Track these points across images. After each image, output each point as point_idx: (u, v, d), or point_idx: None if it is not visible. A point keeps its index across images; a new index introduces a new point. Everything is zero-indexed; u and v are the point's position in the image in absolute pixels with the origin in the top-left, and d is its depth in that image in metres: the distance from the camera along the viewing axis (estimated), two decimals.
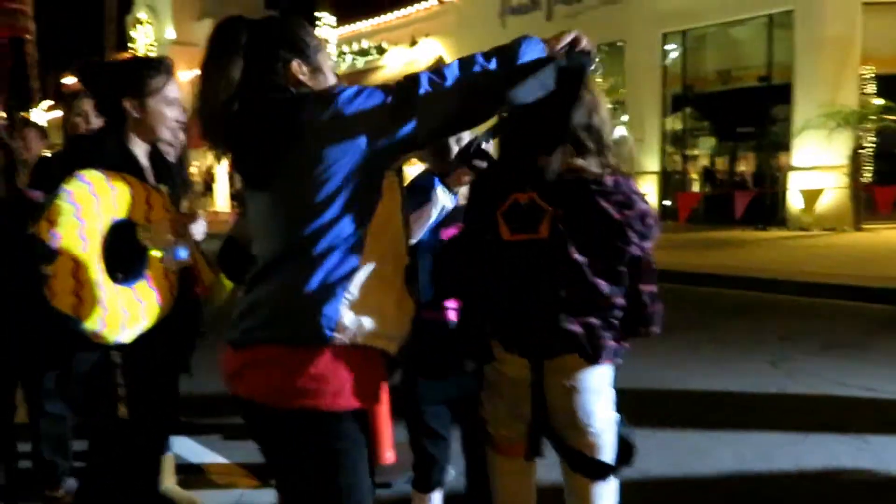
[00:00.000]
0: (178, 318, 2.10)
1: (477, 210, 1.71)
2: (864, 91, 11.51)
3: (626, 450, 1.69)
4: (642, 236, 1.58)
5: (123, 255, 1.96)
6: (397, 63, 18.14)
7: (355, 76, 18.75)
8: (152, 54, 25.95)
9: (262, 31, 1.50)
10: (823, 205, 11.37)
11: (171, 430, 2.61)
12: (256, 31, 1.49)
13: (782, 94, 11.98)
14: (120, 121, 2.15)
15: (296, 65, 1.51)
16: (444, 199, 1.98)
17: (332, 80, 1.58)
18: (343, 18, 18.48)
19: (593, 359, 1.59)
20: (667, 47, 13.40)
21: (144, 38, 26.35)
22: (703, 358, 5.02)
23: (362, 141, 1.40)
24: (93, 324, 1.83)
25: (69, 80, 30.69)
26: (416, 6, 17.56)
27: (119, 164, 2.06)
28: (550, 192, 1.58)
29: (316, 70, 1.54)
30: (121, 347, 1.97)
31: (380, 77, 18.05)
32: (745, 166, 13.59)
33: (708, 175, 13.80)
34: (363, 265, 1.42)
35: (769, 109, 12.32)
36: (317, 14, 14.82)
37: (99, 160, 2.01)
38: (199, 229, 2.12)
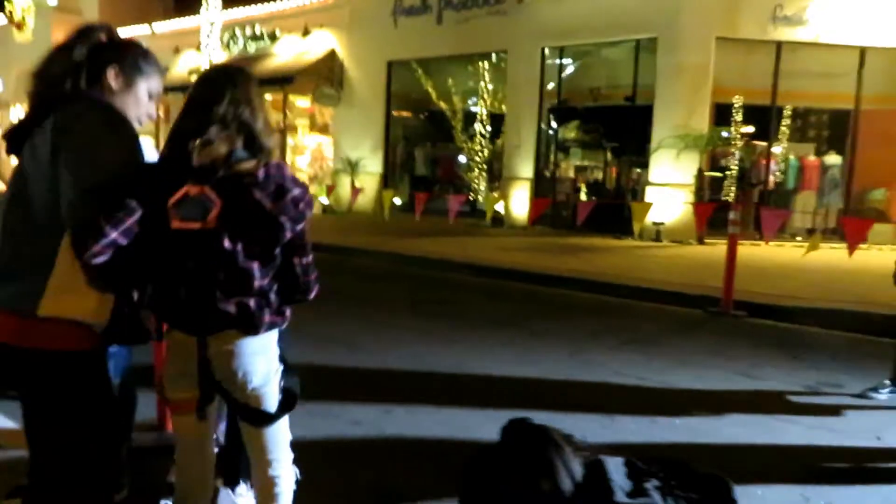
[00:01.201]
0: None
1: (147, 201, 1.84)
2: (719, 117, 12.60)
3: (288, 398, 2.01)
4: (295, 220, 1.88)
5: None
6: (289, 52, 18.04)
7: (246, 61, 18.50)
8: (29, 18, 24.49)
9: None
10: (673, 219, 12.33)
11: None
12: None
13: (645, 113, 12.87)
14: None
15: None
16: None
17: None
18: (237, 1, 18.20)
19: (249, 332, 1.88)
20: (546, 61, 14.08)
21: (21, 2, 24.85)
22: (513, 349, 5.50)
23: None
24: None
25: None
26: None
27: None
28: (216, 185, 1.83)
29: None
30: None
31: (271, 64, 17.90)
32: (605, 178, 14.52)
33: (574, 184, 14.61)
34: None
35: (633, 127, 13.20)
36: None
37: None
38: None
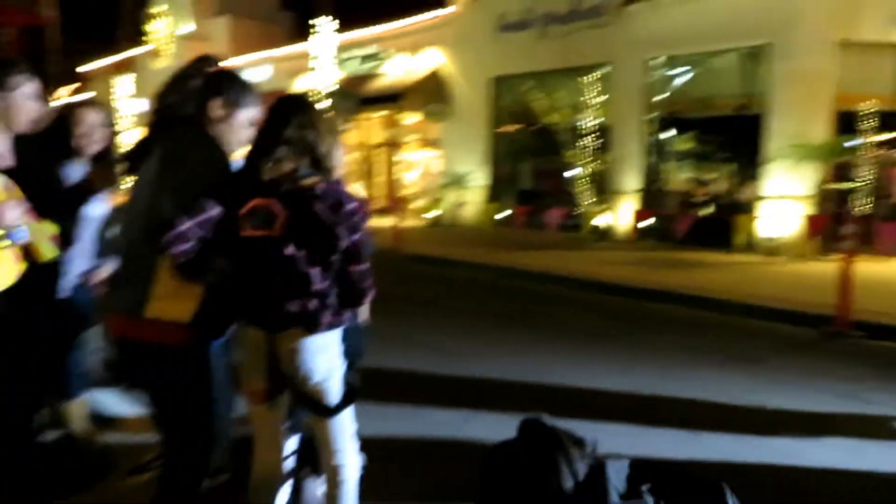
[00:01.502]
0: (31, 286, 2.58)
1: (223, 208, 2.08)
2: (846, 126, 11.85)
3: (349, 394, 2.18)
4: (350, 230, 2.06)
5: None
6: (398, 70, 18.66)
7: (356, 81, 19.31)
8: (168, 46, 26.62)
9: None
10: (789, 233, 11.74)
11: (38, 383, 3.04)
12: None
13: (756, 123, 12.36)
14: None
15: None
16: None
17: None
18: (346, 24, 19.07)
19: (311, 331, 2.06)
20: (651, 72, 13.83)
21: (162, 31, 27.10)
22: (605, 362, 5.49)
23: None
24: None
25: (89, 67, 31.59)
26: (419, 16, 18.08)
27: None
28: (282, 198, 2.04)
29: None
30: None
31: (381, 83, 18.59)
32: (714, 190, 14.00)
33: (684, 197, 14.19)
34: None
35: (743, 137, 12.70)
36: (314, 20, 15.32)
37: None
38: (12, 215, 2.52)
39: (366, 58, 19.45)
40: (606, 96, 14.53)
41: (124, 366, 2.37)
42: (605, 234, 13.63)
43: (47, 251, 2.60)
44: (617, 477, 1.54)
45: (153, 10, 27.33)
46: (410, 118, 19.07)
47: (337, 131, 2.67)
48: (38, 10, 30.24)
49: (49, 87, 29.28)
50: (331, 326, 2.09)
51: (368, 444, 2.93)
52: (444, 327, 6.65)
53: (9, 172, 2.66)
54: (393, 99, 17.44)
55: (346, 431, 2.24)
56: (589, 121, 14.74)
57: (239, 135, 2.29)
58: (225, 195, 2.04)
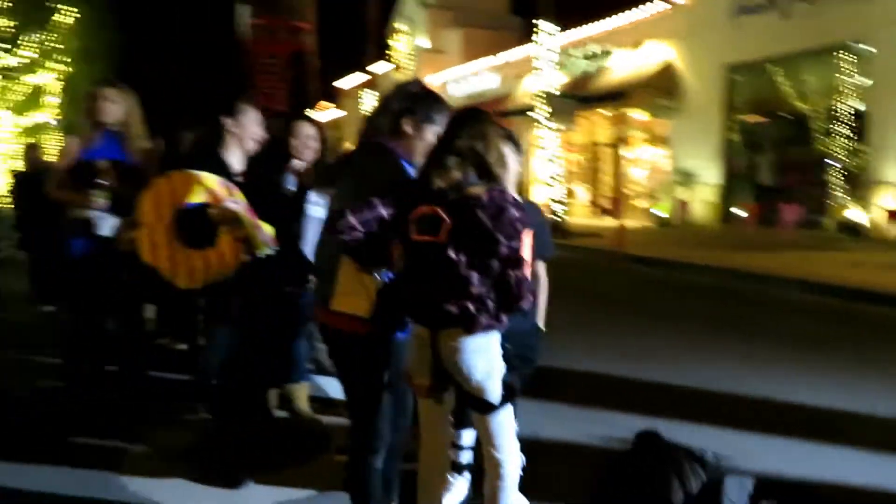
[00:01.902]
0: (248, 272, 3.05)
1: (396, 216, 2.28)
2: None
3: (509, 392, 2.25)
4: (510, 238, 2.12)
5: (199, 227, 2.96)
6: (623, 67, 18.23)
7: (581, 81, 19.20)
8: (407, 61, 28.64)
9: None
10: None
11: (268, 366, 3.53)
12: None
13: None
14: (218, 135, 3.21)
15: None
16: None
17: None
18: (568, 23, 19.05)
19: (469, 331, 2.17)
20: None
21: (402, 47, 29.27)
22: (816, 375, 4.97)
23: None
24: (165, 271, 2.88)
25: (343, 83, 35.19)
26: (643, 9, 17.50)
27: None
28: (449, 206, 2.17)
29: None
30: (202, 292, 2.99)
31: (605, 81, 18.30)
32: None
33: None
34: None
35: None
36: (537, 22, 15.51)
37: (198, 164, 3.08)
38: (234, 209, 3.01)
39: (590, 56, 19.28)
40: (863, 78, 12.89)
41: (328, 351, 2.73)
42: (857, 232, 12.09)
43: (263, 246, 3.06)
44: (737, 493, 1.44)
45: (395, 30, 29.65)
46: (638, 115, 18.53)
47: (510, 141, 2.80)
48: (302, 39, 34.60)
49: (308, 104, 33.23)
50: (488, 328, 2.20)
51: (539, 445, 3.02)
52: (650, 333, 6.43)
53: (238, 184, 3.18)
54: (619, 96, 17.10)
55: (506, 429, 2.34)
56: (842, 107, 13.17)
57: (425, 150, 2.51)
58: (397, 198, 2.25)
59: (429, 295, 2.20)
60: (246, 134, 3.25)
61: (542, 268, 3.08)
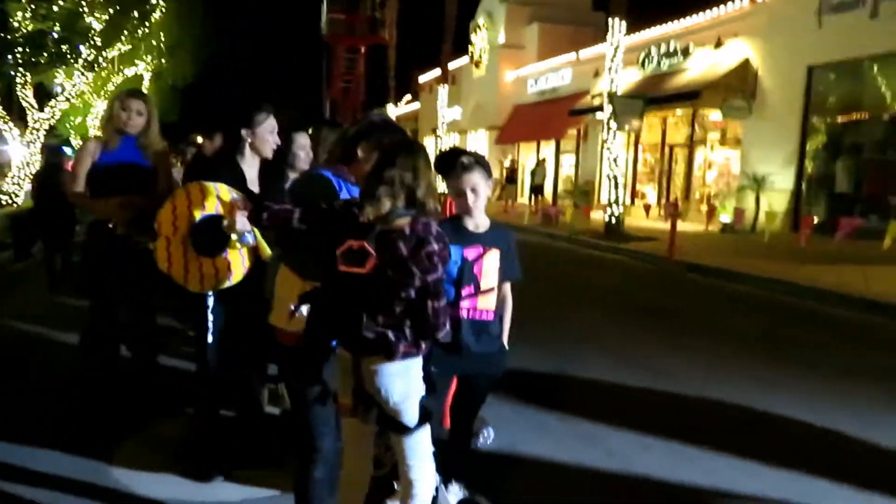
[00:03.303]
0: (254, 278, 3.21)
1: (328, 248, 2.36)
2: None
3: (425, 415, 2.31)
4: (425, 271, 2.17)
5: (212, 236, 3.12)
6: (700, 65, 17.65)
7: (658, 79, 18.71)
8: (485, 56, 28.61)
9: None
10: None
11: (256, 353, 3.68)
12: None
13: None
14: (237, 144, 3.35)
15: None
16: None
17: None
18: (648, 20, 18.55)
19: (389, 358, 2.23)
20: None
21: (480, 42, 29.24)
22: (849, 408, 4.72)
23: None
24: (178, 278, 3.05)
25: (423, 78, 35.51)
26: (725, 7, 16.87)
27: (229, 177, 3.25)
28: (375, 239, 2.23)
29: None
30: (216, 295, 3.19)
31: (682, 79, 17.77)
32: None
33: None
34: None
35: None
36: (611, 20, 15.18)
37: (213, 174, 3.23)
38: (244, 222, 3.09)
39: (665, 54, 18.76)
40: None
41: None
42: None
43: (268, 251, 3.22)
44: None
45: (474, 24, 29.64)
46: (713, 115, 17.90)
47: (469, 169, 2.85)
48: (381, 32, 35.06)
49: (388, 99, 33.69)
50: (406, 355, 2.27)
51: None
52: (681, 348, 6.28)
53: (249, 194, 3.35)
54: (691, 96, 16.56)
55: (420, 449, 2.40)
56: None
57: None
58: (326, 224, 2.36)
59: (351, 322, 2.28)
60: (262, 143, 3.40)
61: (508, 289, 3.11)
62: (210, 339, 3.35)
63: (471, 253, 2.91)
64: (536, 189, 22.87)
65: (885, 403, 4.81)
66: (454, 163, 2.88)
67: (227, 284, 3.21)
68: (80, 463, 3.54)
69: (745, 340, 6.60)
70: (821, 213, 14.53)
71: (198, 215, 3.12)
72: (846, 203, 14.36)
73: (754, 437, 4.19)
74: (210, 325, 3.35)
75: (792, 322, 7.51)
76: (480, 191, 2.93)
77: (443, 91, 28.14)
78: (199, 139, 7.24)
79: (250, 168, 3.41)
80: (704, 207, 17.16)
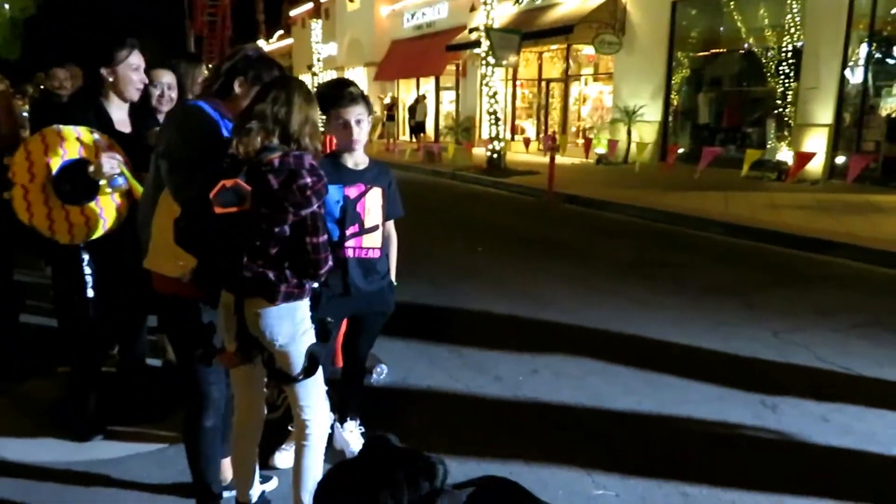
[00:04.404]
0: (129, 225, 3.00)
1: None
2: None
3: (312, 362, 2.28)
4: (298, 205, 2.09)
5: (77, 183, 2.87)
6: (573, 1, 17.90)
7: (531, 14, 18.83)
8: None
9: None
10: None
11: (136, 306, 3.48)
12: None
13: None
14: (99, 85, 3.06)
15: None
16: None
17: None
18: None
19: (271, 301, 2.17)
20: None
21: None
22: (713, 320, 5.12)
23: None
24: (44, 229, 2.80)
25: (294, 12, 33.90)
26: None
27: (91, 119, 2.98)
28: (247, 175, 2.12)
29: None
30: (87, 246, 2.95)
31: (554, 14, 17.98)
32: None
33: (892, 134, 12.30)
34: None
35: None
36: None
37: (71, 118, 2.94)
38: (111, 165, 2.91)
39: None
40: (801, 14, 12.86)
41: None
42: (785, 174, 12.30)
43: (139, 189, 3.00)
44: None
45: None
46: (586, 50, 18.30)
47: (348, 103, 2.76)
48: None
49: (258, 34, 31.99)
50: (288, 297, 2.20)
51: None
52: (558, 276, 6.54)
53: (118, 136, 3.07)
54: (567, 31, 16.81)
55: (313, 391, 2.37)
56: (777, 44, 13.18)
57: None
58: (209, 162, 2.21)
59: (231, 263, 2.18)
60: (124, 83, 3.10)
61: (392, 226, 3.09)
62: (91, 293, 3.12)
63: (352, 191, 2.87)
64: (418, 126, 22.71)
65: (743, 316, 5.24)
66: (342, 92, 2.80)
67: (100, 233, 2.99)
68: None
69: (619, 265, 6.97)
70: (686, 144, 15.38)
71: (57, 162, 2.86)
72: (708, 133, 15.26)
73: (629, 355, 4.45)
74: (87, 278, 3.11)
75: (660, 246, 7.99)
76: (364, 124, 2.88)
77: (316, 26, 27.01)
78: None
79: (118, 109, 3.14)
80: (581, 140, 17.71)
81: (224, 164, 2.17)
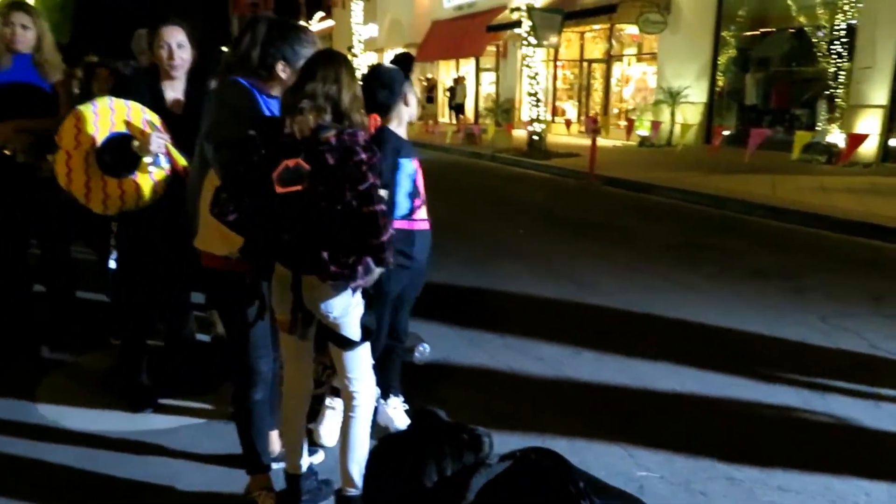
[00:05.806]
0: (168, 202, 3.07)
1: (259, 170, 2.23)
2: None
3: (365, 332, 2.34)
4: (356, 181, 2.10)
5: (121, 156, 2.95)
6: None
7: None
8: None
9: None
10: None
11: (172, 280, 3.56)
12: None
13: None
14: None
15: None
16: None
17: None
18: None
19: (324, 279, 2.19)
20: None
21: None
22: (759, 304, 5.03)
23: None
24: (80, 196, 2.91)
25: None
26: None
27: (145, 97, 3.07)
28: (304, 154, 2.14)
29: None
30: (118, 218, 3.03)
31: None
32: None
33: None
34: None
35: None
36: None
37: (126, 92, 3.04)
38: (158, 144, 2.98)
39: None
40: None
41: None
42: (834, 157, 11.94)
43: (184, 162, 3.07)
44: (483, 481, 1.45)
45: None
46: (630, 30, 17.97)
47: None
48: None
49: (300, 15, 32.10)
50: (338, 276, 2.18)
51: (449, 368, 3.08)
52: (596, 257, 6.49)
53: (168, 115, 3.14)
54: (610, 10, 16.52)
55: (361, 362, 2.41)
56: (836, 22, 12.71)
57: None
58: (257, 145, 2.22)
59: (290, 241, 2.21)
60: (159, 61, 3.18)
61: None
62: (113, 264, 3.20)
63: (416, 164, 2.95)
64: (458, 108, 22.63)
65: (790, 301, 5.14)
66: (412, 66, 2.95)
67: (133, 207, 3.07)
68: (1, 405, 3.39)
69: (661, 248, 6.87)
70: (732, 126, 15.04)
71: (104, 133, 2.94)
72: (756, 115, 14.89)
73: (673, 338, 4.41)
74: (112, 250, 3.20)
75: (705, 230, 7.85)
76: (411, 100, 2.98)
77: (357, 7, 26.99)
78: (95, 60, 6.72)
79: (171, 90, 3.21)
80: (623, 122, 17.44)
81: (280, 143, 2.20)
